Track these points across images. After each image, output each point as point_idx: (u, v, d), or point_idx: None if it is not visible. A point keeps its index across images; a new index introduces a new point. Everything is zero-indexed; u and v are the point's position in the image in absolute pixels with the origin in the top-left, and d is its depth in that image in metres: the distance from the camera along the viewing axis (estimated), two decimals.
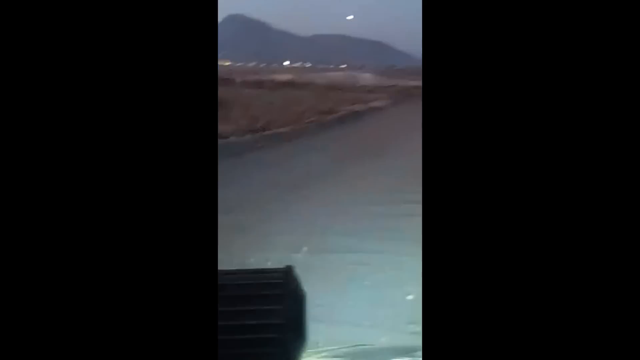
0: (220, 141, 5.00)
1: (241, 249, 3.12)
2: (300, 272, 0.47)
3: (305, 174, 5.72)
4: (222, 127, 6.50)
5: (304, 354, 0.49)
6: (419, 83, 31.94)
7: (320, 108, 12.93)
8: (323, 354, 0.76)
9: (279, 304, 0.49)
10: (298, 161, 6.50)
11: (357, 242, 3.46)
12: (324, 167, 6.13)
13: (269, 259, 2.92)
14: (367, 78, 41.66)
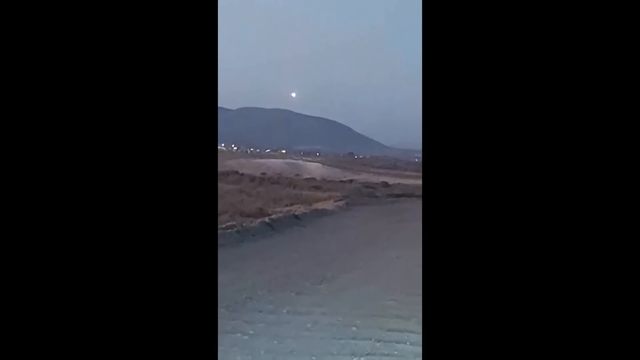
0: None
1: None
2: None
3: None
4: None
5: None
6: (386, 179, 33.35)
7: (244, 208, 13.05)
8: None
9: None
10: None
11: None
12: (238, 296, 5.99)
13: None
14: (314, 169, 43.07)
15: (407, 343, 4.61)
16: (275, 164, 45.65)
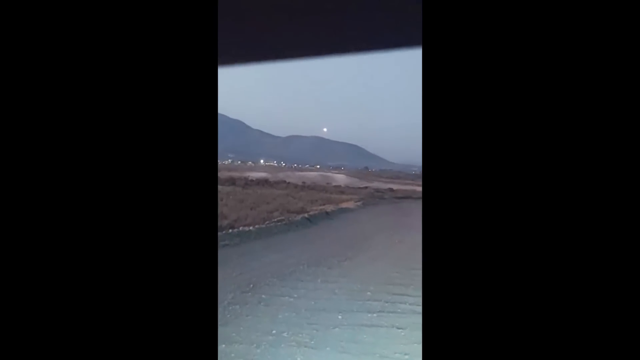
0: None
1: None
2: None
3: (266, 276, 5.58)
4: None
5: None
6: (391, 186, 33.14)
7: (290, 207, 13.08)
8: None
9: None
10: (259, 262, 6.37)
11: (311, 353, 3.27)
12: (286, 269, 6.01)
13: None
14: (340, 179, 43.00)
15: (407, 304, 4.59)
16: (312, 175, 45.68)
